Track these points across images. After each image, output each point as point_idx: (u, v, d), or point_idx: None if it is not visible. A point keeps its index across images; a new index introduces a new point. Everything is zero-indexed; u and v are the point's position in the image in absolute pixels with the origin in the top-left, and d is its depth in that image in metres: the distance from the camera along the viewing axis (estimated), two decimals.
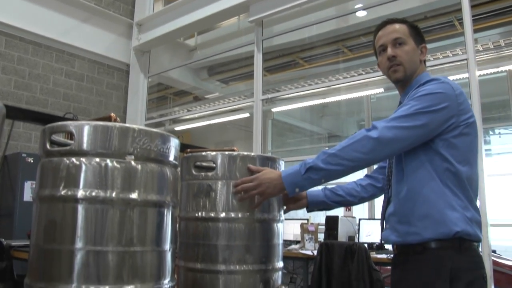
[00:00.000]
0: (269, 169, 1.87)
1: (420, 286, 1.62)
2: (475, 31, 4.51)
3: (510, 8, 5.34)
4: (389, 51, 1.82)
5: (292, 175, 1.75)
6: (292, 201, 2.06)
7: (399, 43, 1.82)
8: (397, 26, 1.85)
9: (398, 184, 1.76)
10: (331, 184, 2.13)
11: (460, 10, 4.34)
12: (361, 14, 5.79)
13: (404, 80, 1.84)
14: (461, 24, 4.47)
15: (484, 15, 5.37)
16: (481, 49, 6.02)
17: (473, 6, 4.31)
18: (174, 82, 8.37)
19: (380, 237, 1.90)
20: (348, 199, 2.10)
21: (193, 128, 9.09)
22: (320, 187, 1.99)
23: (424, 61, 1.91)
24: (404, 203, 1.71)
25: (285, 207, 2.07)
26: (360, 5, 5.56)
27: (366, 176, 2.14)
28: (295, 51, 7.35)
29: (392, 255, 4.19)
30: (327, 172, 1.69)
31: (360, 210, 6.89)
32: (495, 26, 5.67)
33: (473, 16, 4.27)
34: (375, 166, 2.17)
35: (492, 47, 5.95)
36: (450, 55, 5.62)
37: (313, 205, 2.08)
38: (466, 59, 4.24)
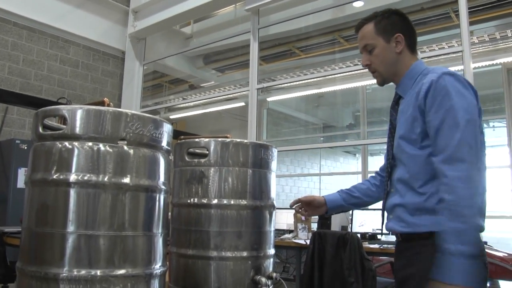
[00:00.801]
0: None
1: (427, 267, 1.57)
2: (471, 23, 4.51)
3: (506, 1, 5.34)
4: (362, 60, 1.84)
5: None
6: (312, 208, 2.09)
7: (369, 50, 1.80)
8: (364, 30, 1.82)
9: (408, 176, 1.72)
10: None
11: (456, 1, 4.34)
12: (358, 4, 5.77)
13: (386, 82, 1.85)
14: (457, 16, 4.47)
15: (480, 8, 5.36)
16: (476, 41, 6.03)
17: None
18: (170, 70, 8.34)
19: (382, 228, 1.86)
20: (364, 200, 2.09)
21: (188, 116, 9.08)
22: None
23: (412, 46, 1.82)
24: (415, 195, 1.68)
25: (306, 212, 2.11)
26: None
27: (378, 174, 2.11)
28: (291, 41, 7.33)
29: (384, 245, 4.19)
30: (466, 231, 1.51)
31: None
32: (491, 18, 5.66)
33: (469, 8, 4.26)
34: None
35: (488, 39, 5.95)
36: (446, 46, 5.62)
37: (332, 210, 2.12)
38: (461, 51, 4.25)
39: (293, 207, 2.11)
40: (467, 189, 1.48)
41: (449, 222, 1.49)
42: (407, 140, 1.70)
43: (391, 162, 1.81)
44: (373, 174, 2.13)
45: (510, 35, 5.85)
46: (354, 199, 2.07)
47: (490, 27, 5.83)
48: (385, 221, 1.83)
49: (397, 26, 1.80)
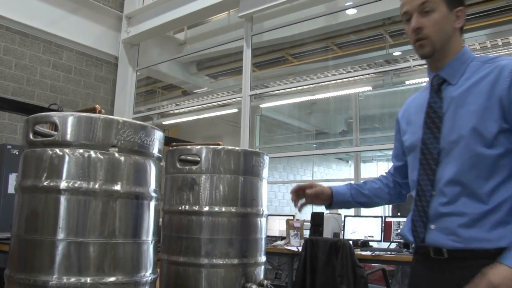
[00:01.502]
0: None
1: None
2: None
3: (497, 10, 5.40)
4: (414, 22, 1.54)
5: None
6: (315, 197, 1.82)
7: (426, 10, 1.52)
8: None
9: (472, 182, 1.44)
10: None
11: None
12: (351, 12, 5.81)
13: (432, 56, 1.57)
14: None
15: (472, 17, 5.42)
16: None
17: None
18: (163, 76, 8.35)
19: (414, 239, 1.56)
20: (374, 201, 1.87)
21: (181, 122, 9.08)
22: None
23: (461, 28, 1.60)
24: (477, 202, 1.42)
25: (303, 200, 1.84)
26: (350, 3, 5.59)
27: (390, 174, 1.89)
28: (284, 48, 7.36)
29: (376, 252, 4.18)
30: None
31: None
32: (482, 27, 5.72)
33: None
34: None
35: (479, 48, 6.01)
36: None
37: (337, 205, 1.87)
38: None
39: (295, 198, 1.84)
40: None
41: None
42: (474, 135, 1.43)
43: (436, 158, 1.50)
44: (384, 174, 1.91)
45: (501, 44, 5.90)
46: (363, 198, 1.84)
47: (481, 36, 5.88)
48: (417, 230, 1.54)
49: (461, 1, 1.58)
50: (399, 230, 4.55)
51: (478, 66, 1.52)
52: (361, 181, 1.90)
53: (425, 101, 1.61)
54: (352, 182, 1.99)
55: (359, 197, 1.84)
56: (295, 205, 1.86)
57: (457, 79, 1.54)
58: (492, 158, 1.42)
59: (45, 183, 1.48)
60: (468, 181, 1.43)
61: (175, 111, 8.47)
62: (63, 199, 1.46)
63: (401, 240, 4.48)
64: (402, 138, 1.73)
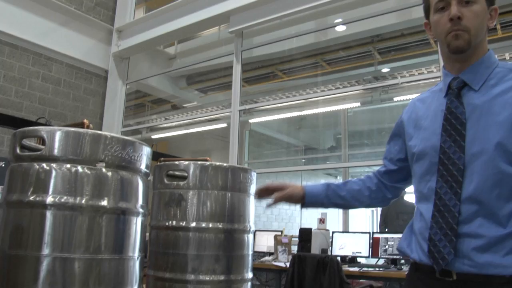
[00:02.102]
0: None
1: None
2: None
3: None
4: (454, 9, 1.36)
5: None
6: (287, 196, 1.70)
7: (467, 0, 1.36)
8: None
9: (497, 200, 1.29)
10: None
11: None
12: (340, 28, 5.87)
13: (465, 51, 1.39)
14: (436, 42, 4.57)
15: None
16: None
17: None
18: (153, 89, 8.34)
19: (434, 261, 1.34)
20: (351, 203, 1.73)
21: (170, 136, 9.06)
22: (322, 182, 1.70)
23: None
24: (495, 225, 1.28)
25: (274, 197, 1.71)
26: (339, 20, 5.64)
27: (376, 176, 1.74)
28: (274, 63, 7.41)
29: (364, 268, 4.18)
30: None
31: (334, 223, 6.94)
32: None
33: None
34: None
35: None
36: (425, 72, 5.73)
37: (310, 206, 1.74)
38: (439, 77, 4.34)
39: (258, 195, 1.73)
40: None
41: None
42: (499, 150, 1.29)
43: (462, 169, 1.34)
44: (370, 174, 1.75)
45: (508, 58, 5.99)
46: (340, 200, 1.70)
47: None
48: (441, 251, 1.33)
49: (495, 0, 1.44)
50: (387, 246, 4.55)
51: (504, 73, 1.38)
52: (342, 181, 1.75)
53: (441, 106, 1.44)
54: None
55: (335, 198, 1.70)
56: (256, 197, 1.76)
57: (480, 85, 1.39)
58: None
59: (31, 198, 1.47)
60: (488, 200, 1.29)
61: (164, 125, 8.46)
62: (49, 214, 1.45)
63: (389, 257, 4.49)
64: (408, 143, 1.54)
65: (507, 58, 5.90)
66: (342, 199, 1.70)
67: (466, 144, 1.34)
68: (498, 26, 5.40)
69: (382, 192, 1.71)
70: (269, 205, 1.75)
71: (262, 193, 1.73)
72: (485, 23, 1.40)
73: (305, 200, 1.70)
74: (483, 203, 1.29)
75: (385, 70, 6.72)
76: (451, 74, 1.45)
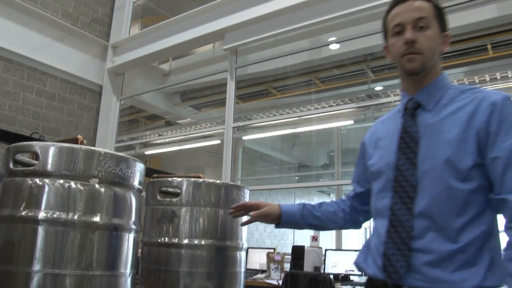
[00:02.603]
0: None
1: None
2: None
3: (473, 49, 5.58)
4: (409, 34, 1.44)
5: None
6: (264, 214, 1.71)
7: (421, 26, 1.45)
8: (421, 3, 1.48)
9: (451, 219, 1.33)
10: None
11: None
12: (333, 47, 5.92)
13: (419, 73, 1.47)
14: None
15: (449, 55, 5.58)
16: None
17: None
18: (147, 105, 8.35)
19: (388, 275, 1.37)
20: (326, 224, 1.75)
21: (163, 152, 9.05)
22: (297, 202, 1.73)
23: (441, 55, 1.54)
24: (445, 240, 1.32)
25: (251, 215, 1.72)
26: (333, 38, 5.70)
27: (349, 199, 1.78)
28: (268, 81, 7.45)
29: (357, 286, 4.17)
30: None
31: (327, 241, 6.92)
32: (459, 65, 5.88)
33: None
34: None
35: (457, 84, 6.17)
36: None
37: (285, 225, 1.75)
38: None
39: (234, 213, 1.73)
40: None
41: None
42: (448, 167, 1.34)
43: (415, 185, 1.39)
44: (343, 197, 1.80)
45: (478, 81, 6.07)
46: (315, 220, 1.73)
47: (459, 73, 6.04)
48: (394, 265, 1.37)
49: (447, 25, 1.53)
50: None
51: (455, 95, 1.46)
52: (318, 203, 1.78)
53: (398, 125, 1.51)
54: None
55: (310, 219, 1.73)
56: (231, 215, 1.76)
57: (433, 105, 1.46)
58: (465, 193, 1.33)
59: (23, 213, 1.47)
60: (439, 215, 1.33)
61: (158, 141, 8.46)
62: (40, 230, 1.45)
63: None
64: (368, 163, 1.60)
65: (498, 77, 5.97)
66: (317, 219, 1.73)
67: (419, 161, 1.39)
68: (489, 46, 5.48)
69: (354, 215, 1.75)
70: (244, 223, 1.78)
71: (238, 211, 1.74)
72: (438, 48, 1.48)
73: (281, 219, 1.72)
74: (434, 219, 1.33)
75: (378, 88, 6.77)
76: (408, 95, 1.53)
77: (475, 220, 1.33)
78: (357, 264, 1.59)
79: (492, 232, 1.35)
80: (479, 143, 1.34)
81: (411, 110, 1.49)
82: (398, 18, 1.48)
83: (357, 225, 1.79)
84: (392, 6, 1.53)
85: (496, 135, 1.33)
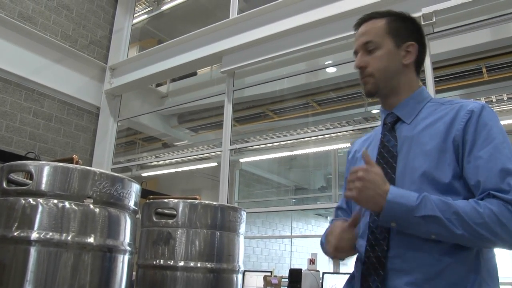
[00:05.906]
0: (381, 173, 1.30)
1: None
2: (437, 91, 4.70)
3: (468, 72, 5.63)
4: (357, 61, 1.50)
5: (400, 206, 1.23)
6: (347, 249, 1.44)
7: (370, 49, 1.48)
8: (370, 25, 1.50)
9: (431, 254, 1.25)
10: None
11: (423, 71, 4.52)
12: (330, 70, 5.95)
13: (377, 93, 1.50)
14: (424, 84, 4.65)
15: (445, 78, 5.62)
16: None
17: (435, 68, 4.49)
18: (144, 127, 8.36)
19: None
20: None
21: (160, 174, 9.02)
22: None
23: (418, 67, 1.54)
24: (428, 259, 1.24)
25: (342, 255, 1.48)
26: (330, 62, 5.73)
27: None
28: (265, 103, 7.47)
29: None
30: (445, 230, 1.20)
31: (324, 264, 6.86)
32: (455, 88, 5.92)
33: (435, 78, 4.45)
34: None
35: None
36: None
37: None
38: None
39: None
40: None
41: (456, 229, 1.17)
42: (430, 179, 1.30)
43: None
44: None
45: None
46: None
47: (454, 96, 6.08)
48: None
49: (412, 34, 1.51)
50: None
51: (435, 107, 1.44)
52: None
53: (378, 141, 1.50)
54: None
55: None
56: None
57: (412, 119, 1.45)
58: None
59: (15, 234, 1.44)
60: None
61: (155, 163, 8.43)
62: (33, 251, 1.42)
63: None
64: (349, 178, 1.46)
65: (494, 100, 6.00)
66: None
67: (397, 176, 1.36)
68: (484, 70, 5.52)
69: None
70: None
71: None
72: (395, 63, 1.47)
73: None
74: (413, 236, 1.25)
75: (374, 111, 6.79)
76: (386, 110, 1.54)
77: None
78: None
79: (480, 252, 1.26)
80: (456, 152, 1.31)
81: (390, 125, 1.48)
82: (354, 44, 1.54)
83: None
84: (355, 31, 1.57)
85: (472, 143, 1.29)
